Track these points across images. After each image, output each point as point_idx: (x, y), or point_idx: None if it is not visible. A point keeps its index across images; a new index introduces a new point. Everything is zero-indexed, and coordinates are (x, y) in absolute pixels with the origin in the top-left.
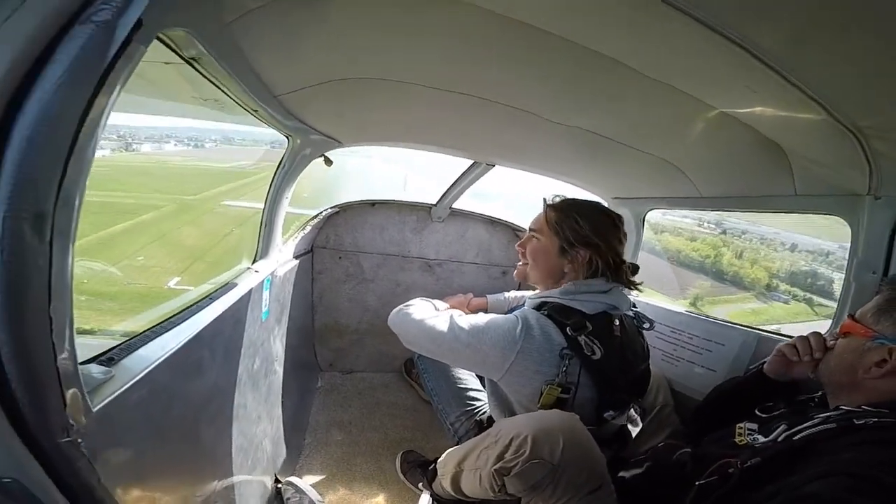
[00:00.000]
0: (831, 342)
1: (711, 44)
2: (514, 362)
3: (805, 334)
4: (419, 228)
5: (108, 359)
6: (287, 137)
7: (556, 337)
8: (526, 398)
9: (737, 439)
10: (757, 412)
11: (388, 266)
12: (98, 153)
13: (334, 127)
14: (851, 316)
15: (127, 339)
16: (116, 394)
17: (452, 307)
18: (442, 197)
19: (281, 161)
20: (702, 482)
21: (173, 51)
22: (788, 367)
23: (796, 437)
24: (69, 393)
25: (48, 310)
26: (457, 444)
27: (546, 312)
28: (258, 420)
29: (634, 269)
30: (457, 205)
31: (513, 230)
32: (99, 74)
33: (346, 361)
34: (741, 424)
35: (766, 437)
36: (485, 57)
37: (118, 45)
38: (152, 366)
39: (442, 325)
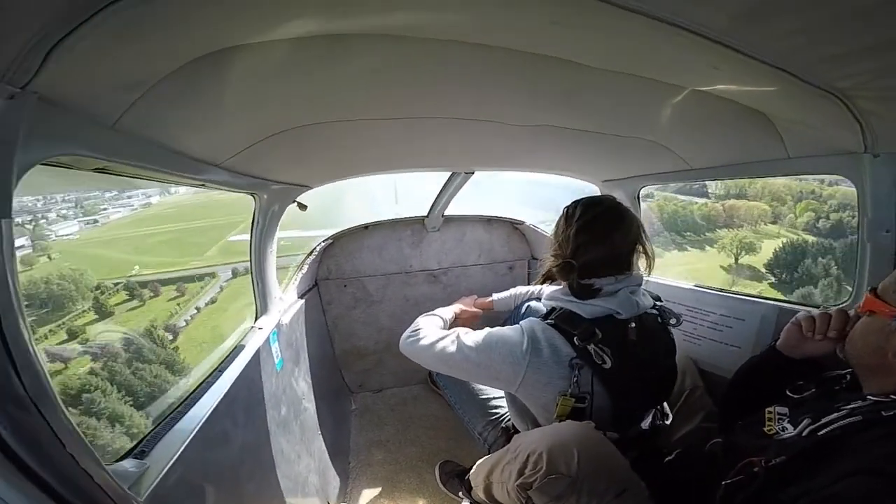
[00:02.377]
0: (855, 320)
1: (660, 32)
2: (525, 376)
3: (828, 311)
4: (416, 242)
5: (140, 452)
6: (251, 195)
7: (563, 348)
8: (543, 408)
9: (766, 427)
10: (788, 392)
11: (394, 284)
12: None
13: (296, 174)
14: (874, 290)
15: (152, 428)
16: (157, 481)
17: (459, 313)
18: (431, 208)
19: (253, 220)
20: (728, 482)
21: (74, 168)
22: (802, 341)
23: (820, 433)
24: (115, 496)
25: (66, 451)
26: (487, 451)
27: (552, 322)
28: (298, 459)
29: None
30: (449, 211)
31: (511, 225)
32: None
33: (374, 381)
34: (770, 409)
35: (793, 426)
36: (431, 80)
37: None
38: (181, 449)
39: (450, 347)
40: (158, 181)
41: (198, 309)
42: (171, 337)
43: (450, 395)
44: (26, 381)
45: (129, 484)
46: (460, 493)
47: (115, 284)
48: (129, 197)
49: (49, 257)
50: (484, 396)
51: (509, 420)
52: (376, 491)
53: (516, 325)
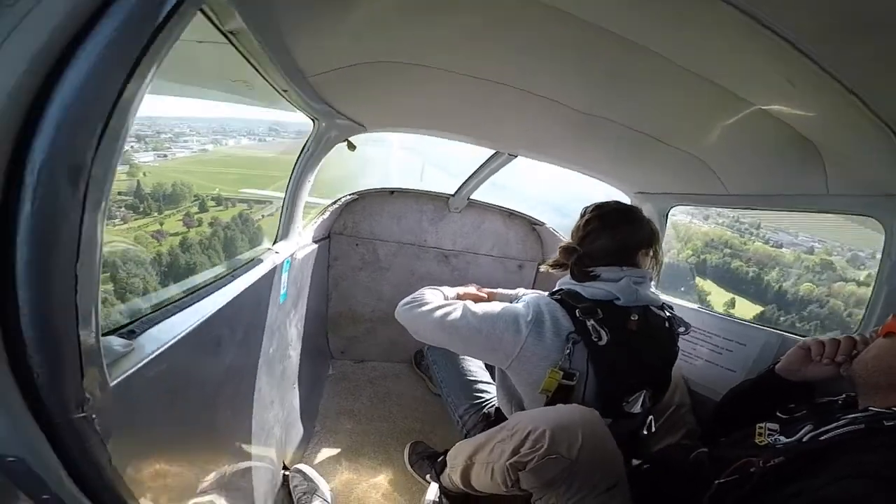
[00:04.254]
0: (861, 345)
1: (751, 32)
2: (525, 346)
3: (836, 336)
4: (436, 218)
5: (129, 331)
6: (313, 120)
7: (563, 322)
8: (532, 386)
9: (757, 440)
10: (778, 413)
11: (404, 255)
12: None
13: (360, 111)
14: None
15: (149, 311)
16: (135, 369)
17: (463, 295)
18: (461, 187)
19: (305, 144)
20: (722, 480)
21: (213, 24)
22: (805, 364)
23: (822, 438)
24: (88, 363)
25: (74, 268)
26: (464, 437)
27: (558, 297)
28: (271, 405)
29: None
30: (475, 196)
31: (530, 223)
32: (146, 38)
33: (358, 350)
34: (762, 424)
35: (788, 437)
36: (517, 44)
37: (163, 16)
38: (173, 340)
39: (455, 313)
40: (259, 71)
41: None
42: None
43: (437, 370)
44: None
45: (107, 361)
46: (428, 477)
47: (208, 195)
48: (185, 142)
49: (143, 174)
50: (471, 378)
51: (492, 407)
52: (339, 459)
53: (522, 301)
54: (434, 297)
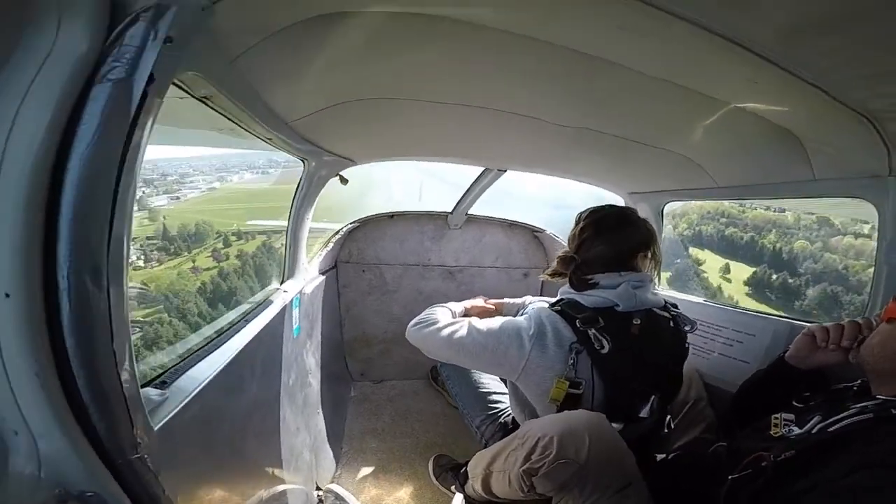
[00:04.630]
0: (866, 330)
1: (704, 41)
2: (530, 359)
3: (841, 322)
4: (437, 237)
5: (161, 382)
6: (302, 161)
7: (565, 332)
8: (541, 397)
9: (772, 431)
10: (794, 402)
11: (410, 276)
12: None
13: (347, 147)
14: None
15: (176, 362)
16: (172, 413)
17: (470, 309)
18: (457, 204)
19: (298, 184)
20: (735, 476)
21: (186, 91)
22: (812, 351)
23: (831, 429)
24: (135, 414)
25: (112, 345)
26: (484, 447)
27: (559, 309)
28: (297, 431)
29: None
30: (472, 211)
31: (531, 232)
32: (126, 129)
33: (376, 371)
34: (777, 415)
35: (801, 428)
36: (490, 70)
37: (137, 100)
38: (201, 386)
39: (461, 331)
40: (240, 126)
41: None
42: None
43: (451, 385)
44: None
45: (148, 410)
46: (453, 488)
47: (227, 230)
48: (192, 182)
49: (164, 217)
50: (485, 390)
51: (508, 416)
52: (367, 477)
53: (525, 314)
54: (441, 316)
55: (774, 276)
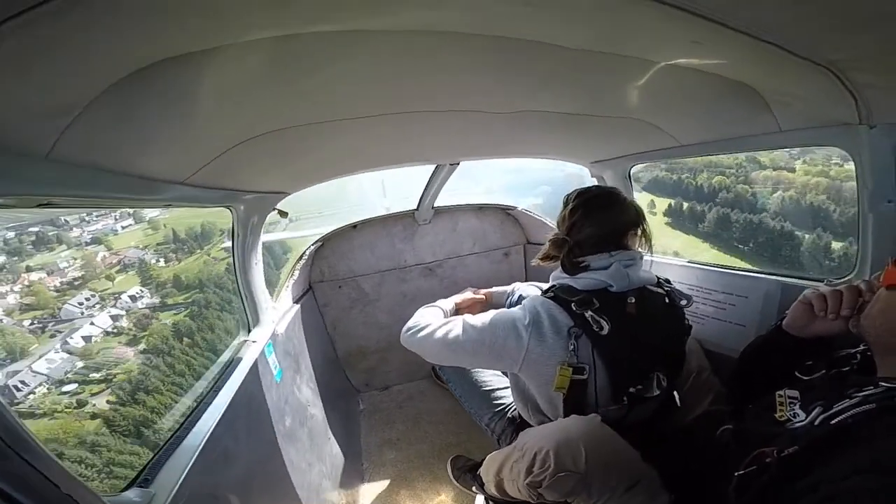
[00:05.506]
0: (867, 294)
1: (638, 7)
2: (529, 349)
3: (839, 287)
4: (408, 236)
5: (143, 480)
6: (227, 208)
7: (561, 318)
8: (545, 387)
9: (777, 413)
10: (797, 374)
11: (389, 281)
12: None
13: (270, 182)
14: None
15: (153, 455)
16: None
17: (460, 304)
18: (420, 201)
19: (233, 233)
20: (741, 472)
21: (14, 208)
22: (811, 320)
23: (833, 421)
24: None
25: (62, 491)
26: (496, 442)
27: (552, 295)
28: (309, 467)
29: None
30: (438, 202)
31: (503, 211)
32: None
33: (379, 379)
34: (781, 393)
35: (805, 413)
36: (413, 73)
37: None
38: (185, 473)
39: (456, 330)
40: (115, 208)
41: None
42: None
43: (454, 388)
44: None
45: None
46: (474, 488)
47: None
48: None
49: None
50: (487, 388)
51: (515, 410)
52: (391, 490)
53: (519, 305)
54: (433, 318)
55: (685, 205)
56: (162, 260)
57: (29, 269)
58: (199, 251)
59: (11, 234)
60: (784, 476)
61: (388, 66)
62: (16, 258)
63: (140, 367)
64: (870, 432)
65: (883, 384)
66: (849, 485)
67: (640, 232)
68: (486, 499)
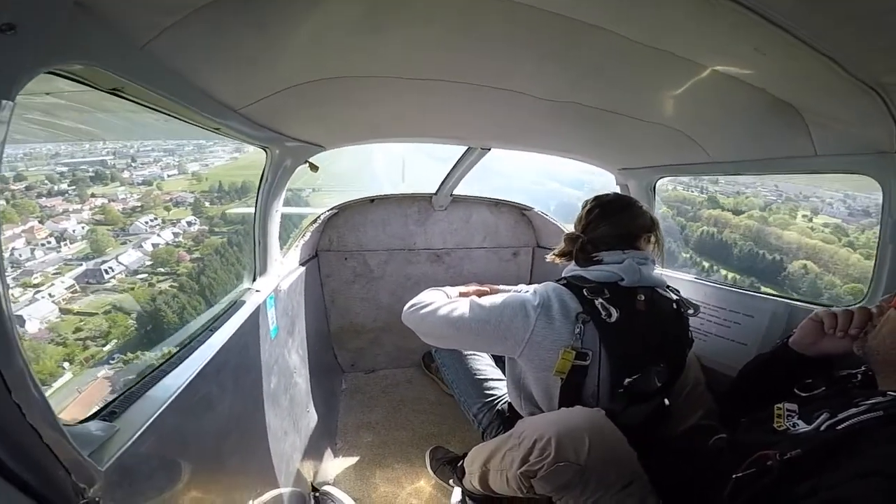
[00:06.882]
0: (878, 317)
1: (709, 4)
2: (534, 331)
3: (849, 307)
4: (422, 220)
5: (109, 413)
6: (264, 150)
7: (571, 304)
8: (543, 373)
9: (776, 423)
10: (796, 391)
11: (396, 261)
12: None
13: (312, 132)
14: None
15: (126, 388)
16: (125, 447)
17: (465, 292)
18: (441, 185)
19: (262, 175)
20: (739, 475)
21: (87, 84)
22: (819, 337)
23: (840, 427)
24: (68, 457)
25: (11, 398)
26: (481, 434)
27: (564, 282)
28: (285, 435)
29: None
30: (458, 191)
31: (519, 210)
32: None
33: (367, 360)
34: (780, 405)
35: (807, 423)
36: (466, 41)
37: None
38: (158, 412)
39: (462, 308)
40: (173, 115)
41: None
42: None
43: (446, 372)
44: None
45: (90, 449)
46: (451, 481)
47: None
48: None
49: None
50: (481, 377)
51: (505, 403)
52: (362, 473)
53: (529, 288)
54: (438, 297)
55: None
56: (207, 202)
57: (94, 196)
58: (237, 200)
59: (65, 169)
60: (785, 480)
61: (448, 32)
62: (78, 186)
63: (194, 267)
64: (877, 438)
65: (891, 394)
66: (846, 491)
67: (653, 238)
68: (463, 492)
